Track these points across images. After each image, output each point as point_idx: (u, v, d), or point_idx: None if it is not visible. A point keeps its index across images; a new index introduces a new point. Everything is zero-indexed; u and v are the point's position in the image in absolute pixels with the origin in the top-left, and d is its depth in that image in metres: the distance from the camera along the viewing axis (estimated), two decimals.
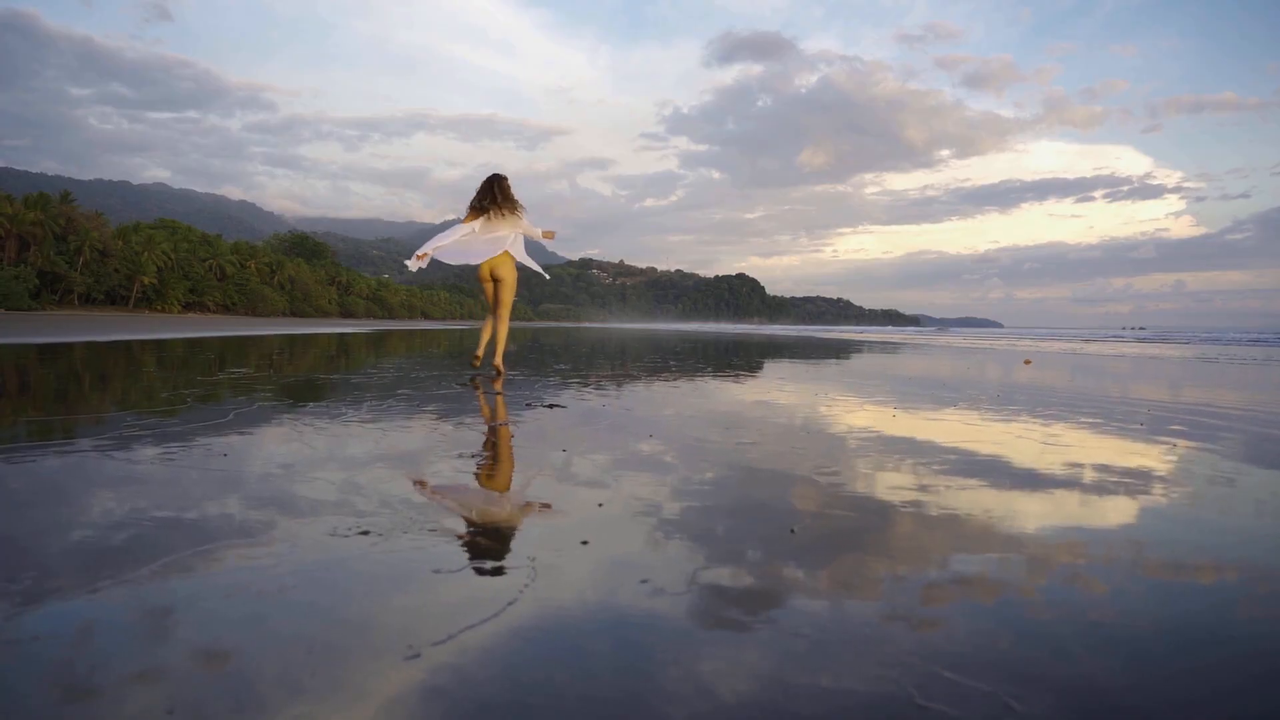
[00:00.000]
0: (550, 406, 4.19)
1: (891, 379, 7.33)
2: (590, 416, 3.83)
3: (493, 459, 2.63)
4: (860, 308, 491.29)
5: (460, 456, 2.63)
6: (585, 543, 1.63)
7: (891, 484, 2.36)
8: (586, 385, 5.77)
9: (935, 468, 2.65)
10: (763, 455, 2.81)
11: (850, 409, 4.51)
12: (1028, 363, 12.00)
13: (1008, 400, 5.27)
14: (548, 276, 6.78)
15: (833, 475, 2.47)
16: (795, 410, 4.40)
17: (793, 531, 1.77)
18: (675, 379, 6.78)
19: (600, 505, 1.97)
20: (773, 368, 8.99)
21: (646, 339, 22.43)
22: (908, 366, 9.85)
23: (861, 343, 21.98)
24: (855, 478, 2.45)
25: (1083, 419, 4.25)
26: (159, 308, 68.80)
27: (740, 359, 10.90)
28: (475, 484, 2.24)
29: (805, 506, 2.03)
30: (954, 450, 3.04)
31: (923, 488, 2.31)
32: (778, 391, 5.70)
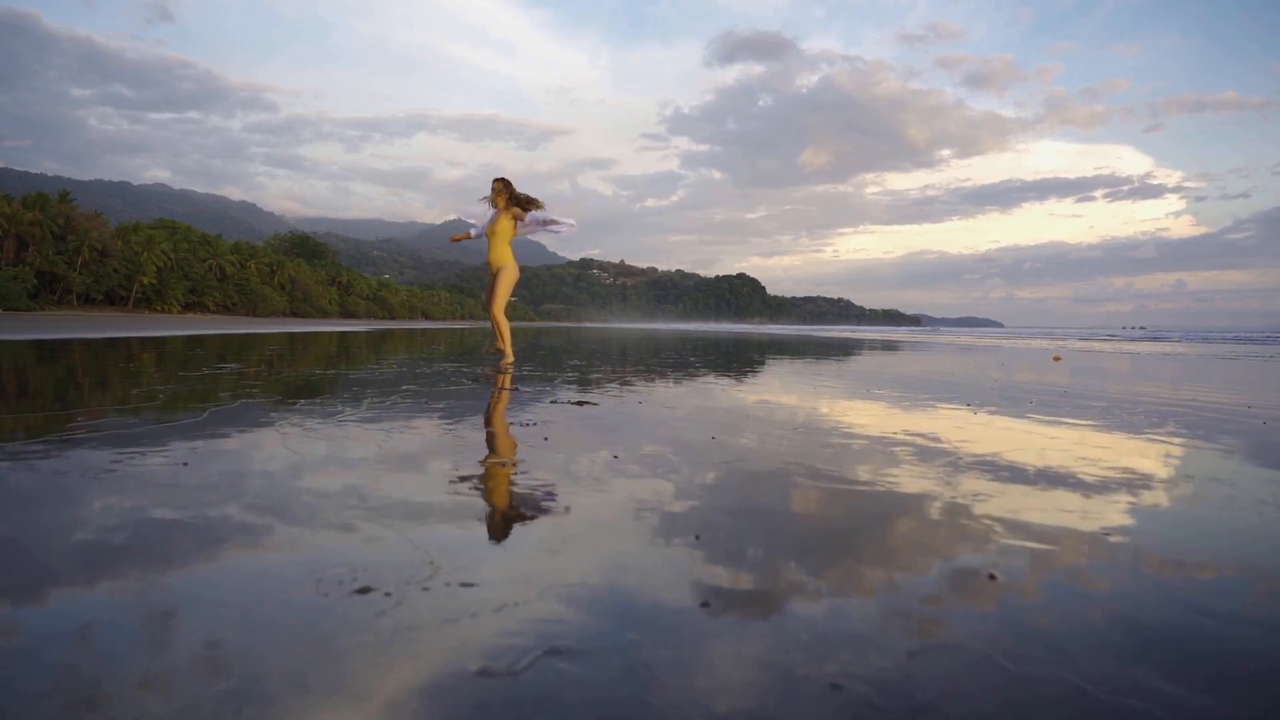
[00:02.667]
0: (580, 404, 3.63)
1: (930, 378, 6.77)
2: (630, 415, 3.27)
3: (532, 469, 2.06)
4: (861, 308, 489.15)
5: (487, 464, 2.07)
6: (705, 605, 1.07)
7: (1051, 505, 1.80)
8: (609, 382, 5.22)
9: (1099, 487, 2.10)
10: (868, 462, 2.26)
11: (916, 408, 3.95)
12: (1057, 359, 11.49)
13: (1082, 403, 4.72)
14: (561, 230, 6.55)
15: (945, 482, 1.91)
16: (859, 410, 3.84)
17: (993, 578, 1.21)
18: (701, 376, 6.21)
19: (698, 537, 1.41)
20: (799, 366, 8.43)
21: (652, 339, 21.87)
22: (937, 365, 9.29)
23: (871, 342, 21.40)
24: (984, 491, 1.89)
25: (1193, 423, 3.69)
26: (158, 308, 68.14)
27: (758, 357, 10.34)
28: (517, 504, 1.68)
29: (974, 534, 1.48)
30: (1098, 463, 2.48)
31: (1094, 513, 1.76)
32: (824, 390, 5.13)
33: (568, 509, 1.63)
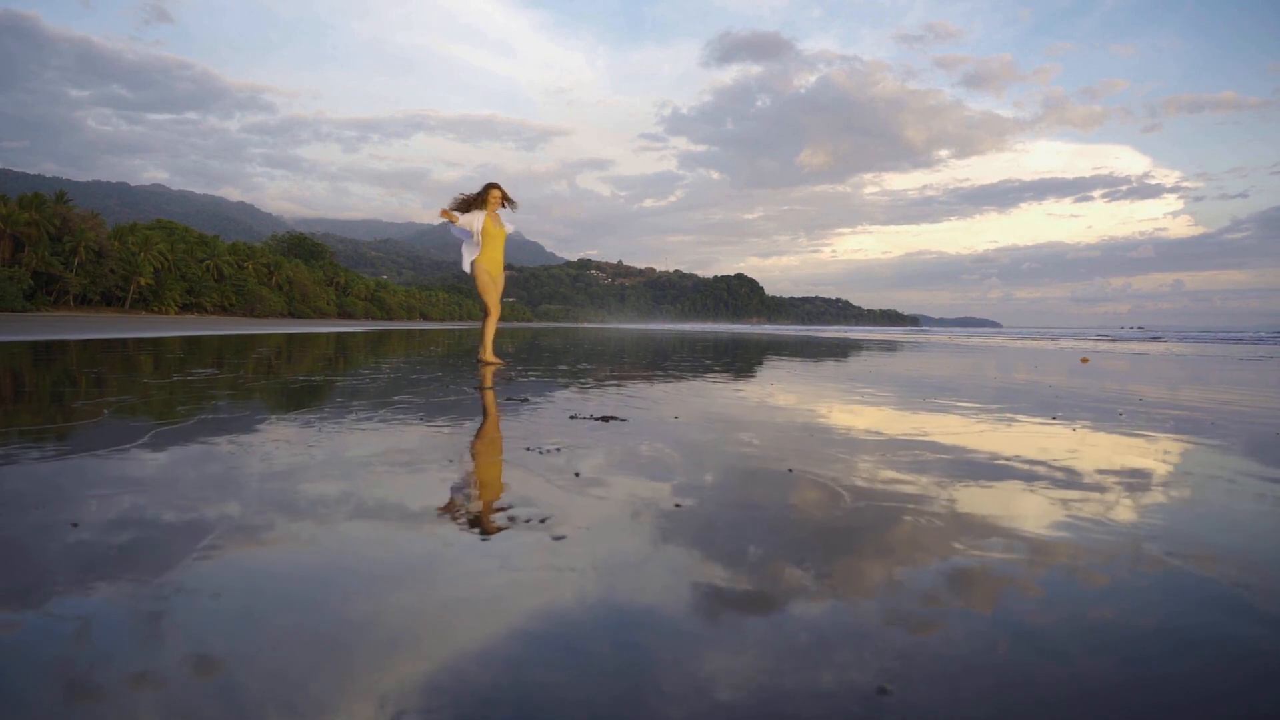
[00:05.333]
0: (605, 420, 3.05)
1: (977, 383, 6.19)
2: (669, 435, 2.68)
3: (571, 534, 1.48)
4: (859, 308, 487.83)
5: (508, 524, 1.49)
6: None
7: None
8: (626, 389, 4.63)
9: None
10: (1032, 513, 1.68)
11: (1001, 422, 3.37)
12: (1085, 361, 10.97)
13: (1176, 414, 4.15)
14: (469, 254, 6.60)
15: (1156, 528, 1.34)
16: (939, 426, 3.26)
17: None
18: (723, 381, 5.63)
19: (884, 692, 0.83)
20: (824, 370, 7.84)
21: (655, 340, 21.27)
22: (968, 369, 8.71)
23: (878, 343, 20.78)
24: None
25: None
26: (156, 309, 67.40)
27: (774, 360, 9.74)
28: (558, 607, 1.09)
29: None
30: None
31: None
32: (876, 400, 4.54)
33: (647, 609, 1.06)
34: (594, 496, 1.71)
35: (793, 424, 3.16)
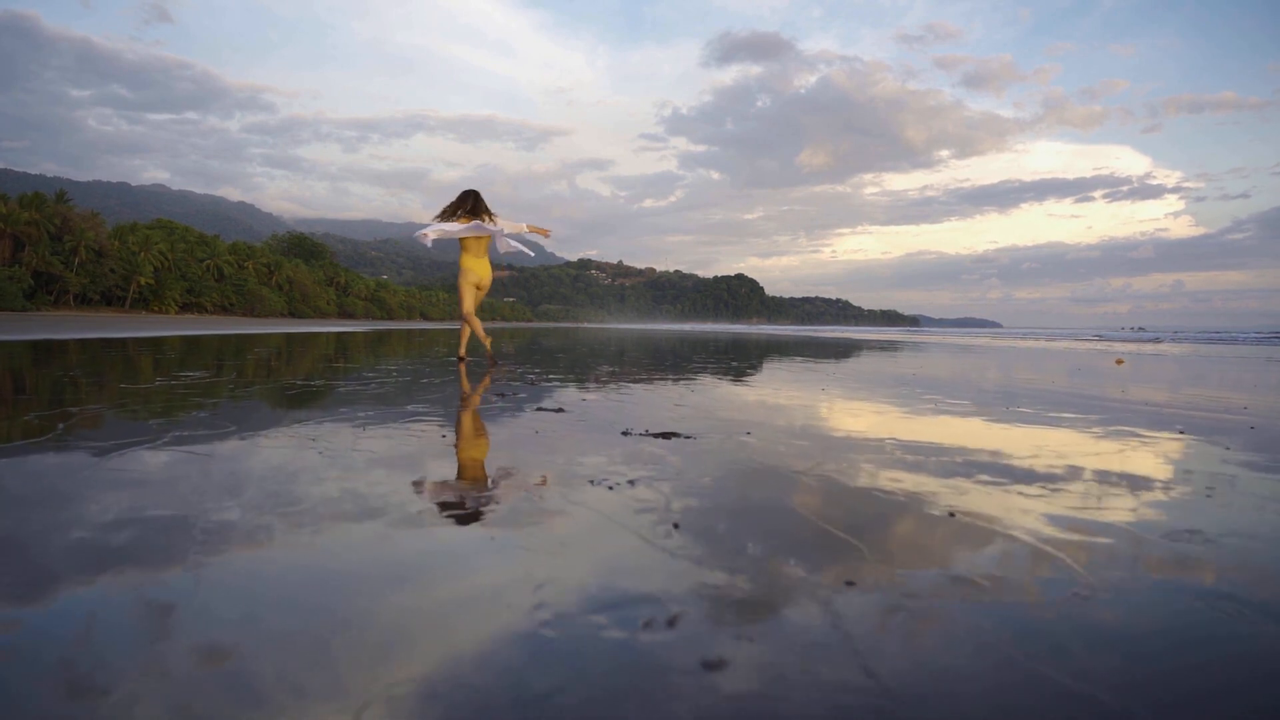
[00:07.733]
0: (666, 437, 2.53)
1: (1042, 389, 5.67)
2: (758, 462, 2.15)
3: (740, 659, 0.96)
4: (859, 308, 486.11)
5: (631, 627, 0.97)
6: None
7: None
8: (665, 395, 4.11)
9: None
10: None
11: (1128, 436, 2.85)
12: (1120, 362, 10.53)
13: None
14: (531, 254, 6.88)
15: None
16: (1059, 444, 2.74)
17: None
18: (766, 386, 5.11)
19: None
20: (861, 369, 7.31)
21: (662, 340, 20.71)
22: (1008, 371, 8.19)
23: (887, 343, 20.20)
24: None
25: None
26: (156, 308, 66.83)
27: (802, 362, 9.20)
28: None
29: None
30: None
31: None
32: (947, 408, 4.02)
33: None
34: (721, 571, 1.19)
35: (890, 442, 2.63)
